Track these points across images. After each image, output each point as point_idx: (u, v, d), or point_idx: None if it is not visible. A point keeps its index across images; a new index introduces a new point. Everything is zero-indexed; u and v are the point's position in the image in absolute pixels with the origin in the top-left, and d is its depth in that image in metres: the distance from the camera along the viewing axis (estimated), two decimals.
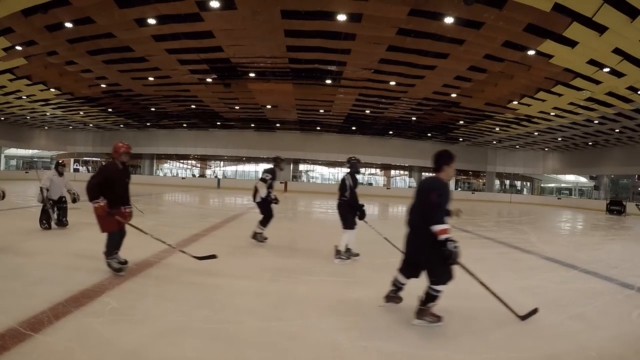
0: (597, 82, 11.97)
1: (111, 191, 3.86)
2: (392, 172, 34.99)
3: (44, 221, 6.43)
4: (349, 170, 5.19)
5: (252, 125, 26.81)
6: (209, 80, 15.35)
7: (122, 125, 28.52)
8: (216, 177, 32.23)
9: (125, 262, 4.05)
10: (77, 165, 31.84)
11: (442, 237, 2.70)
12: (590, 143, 23.51)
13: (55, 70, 14.15)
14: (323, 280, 4.26)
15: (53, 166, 7.04)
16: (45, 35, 10.63)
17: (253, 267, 4.68)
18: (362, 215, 5.10)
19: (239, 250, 5.72)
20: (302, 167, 33.28)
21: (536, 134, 21.95)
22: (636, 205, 20.67)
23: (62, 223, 6.67)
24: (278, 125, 26.34)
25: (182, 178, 30.08)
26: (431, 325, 3.01)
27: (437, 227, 2.71)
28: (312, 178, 33.55)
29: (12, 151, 33.06)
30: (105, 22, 9.82)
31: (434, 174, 2.98)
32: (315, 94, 16.78)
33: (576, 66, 10.95)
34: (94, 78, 15.33)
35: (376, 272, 4.80)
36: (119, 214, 3.94)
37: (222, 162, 34.55)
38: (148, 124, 27.59)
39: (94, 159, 33.09)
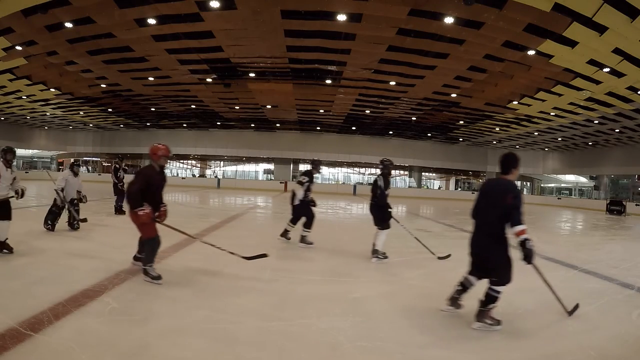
0: (597, 82, 11.97)
1: (152, 196, 3.81)
2: (392, 172, 34.96)
3: (49, 222, 6.27)
4: (381, 171, 5.32)
5: (252, 125, 26.81)
6: (209, 80, 15.34)
7: (122, 125, 28.52)
8: (216, 177, 32.23)
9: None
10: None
11: (522, 237, 2.82)
12: (590, 143, 23.51)
13: (55, 70, 14.15)
14: (323, 280, 4.26)
15: (68, 166, 6.86)
16: (45, 35, 10.63)
17: (253, 267, 4.67)
18: (388, 216, 5.27)
19: (238, 250, 5.71)
20: (302, 167, 33.27)
21: (536, 134, 21.94)
22: (636, 205, 20.67)
23: (73, 226, 6.50)
24: (278, 125, 26.34)
25: (182, 178, 30.08)
26: (491, 328, 2.99)
27: (518, 228, 2.81)
28: None
29: None
30: (105, 22, 9.82)
31: (501, 177, 3.07)
32: (315, 94, 16.77)
33: (576, 66, 10.94)
34: (94, 78, 15.33)
35: (376, 272, 4.81)
36: (159, 217, 3.93)
37: (222, 162, 34.55)
38: (148, 124, 27.59)
39: (94, 159, 33.09)
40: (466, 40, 10.03)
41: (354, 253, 5.79)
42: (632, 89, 12.20)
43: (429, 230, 9.22)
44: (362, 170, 33.93)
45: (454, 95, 15.50)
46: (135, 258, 4.26)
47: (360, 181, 33.18)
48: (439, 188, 34.29)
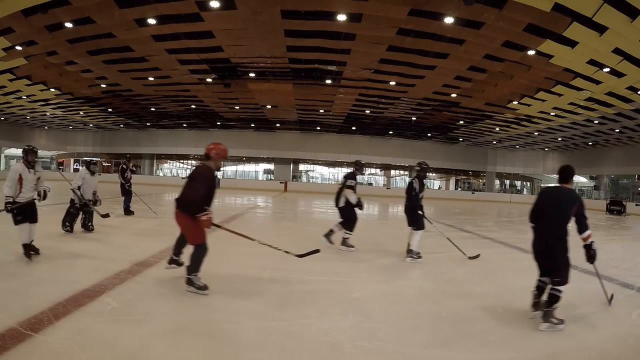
0: (597, 82, 11.97)
1: (210, 199, 3.61)
2: (392, 172, 34.99)
3: (67, 223, 6.08)
4: (417, 173, 5.47)
5: (252, 125, 26.81)
6: (209, 80, 15.34)
7: (122, 125, 28.53)
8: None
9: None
10: (77, 165, 31.82)
11: (589, 241, 3.23)
12: (590, 143, 23.50)
13: (55, 70, 14.15)
14: (323, 280, 4.26)
15: (85, 165, 6.63)
16: (45, 35, 10.63)
17: (253, 267, 4.68)
18: (421, 217, 5.47)
19: (238, 250, 5.72)
20: (302, 167, 33.28)
21: (536, 134, 21.94)
22: (636, 205, 20.66)
23: (87, 227, 6.33)
24: (278, 125, 26.34)
25: (182, 178, 30.04)
26: (556, 328, 3.09)
27: (586, 233, 3.21)
28: (312, 178, 33.54)
29: (12, 151, 33.02)
30: (105, 22, 9.82)
31: (563, 185, 3.39)
32: (315, 94, 16.77)
33: (576, 66, 10.94)
34: (94, 78, 15.33)
35: (376, 272, 4.81)
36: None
37: (222, 162, 34.56)
38: (148, 124, 27.59)
39: (94, 159, 33.08)
40: (466, 40, 10.03)
41: (354, 253, 5.79)
42: (632, 89, 12.20)
43: (429, 230, 9.20)
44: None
45: (454, 95, 15.50)
46: (172, 261, 4.04)
47: (360, 181, 33.19)
48: (439, 188, 34.29)
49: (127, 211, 8.79)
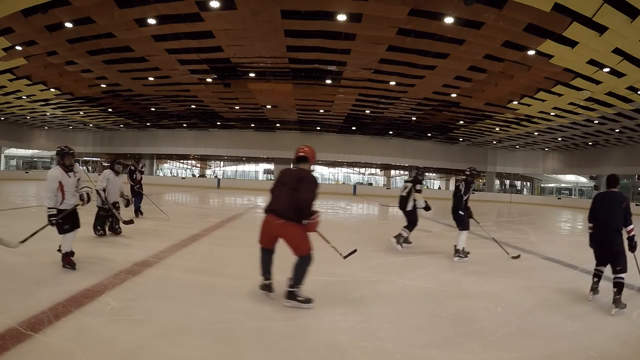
0: (597, 82, 11.97)
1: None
2: (392, 172, 35.01)
3: (99, 227, 5.86)
4: (465, 177, 5.93)
5: (252, 125, 26.80)
6: (209, 80, 15.34)
7: (122, 125, 28.52)
8: (216, 177, 32.22)
9: None
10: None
11: (632, 233, 3.74)
12: (590, 143, 23.50)
13: (55, 70, 14.14)
14: (323, 280, 4.26)
15: (109, 165, 6.36)
16: (45, 35, 10.62)
17: (253, 267, 4.67)
18: (467, 218, 5.86)
19: (239, 250, 5.72)
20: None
21: (536, 134, 21.94)
22: (636, 205, 20.65)
23: (115, 230, 6.11)
24: (278, 125, 26.33)
25: (182, 178, 30.07)
26: (622, 312, 3.51)
27: (630, 227, 3.76)
28: None
29: (12, 151, 33.06)
30: (105, 22, 9.81)
31: (612, 190, 4.01)
32: (315, 94, 16.77)
33: (576, 66, 10.94)
34: (94, 78, 15.32)
35: (376, 273, 4.81)
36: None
37: (222, 162, 34.56)
38: (148, 124, 27.58)
39: (94, 159, 33.08)
40: (466, 40, 10.03)
41: (355, 254, 5.78)
42: (632, 89, 12.19)
43: (429, 230, 9.21)
44: (362, 170, 33.94)
45: (454, 95, 15.49)
46: (264, 287, 3.58)
47: (360, 181, 33.19)
48: (439, 188, 34.30)
49: (137, 212, 8.70)
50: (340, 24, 9.59)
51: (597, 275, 4.00)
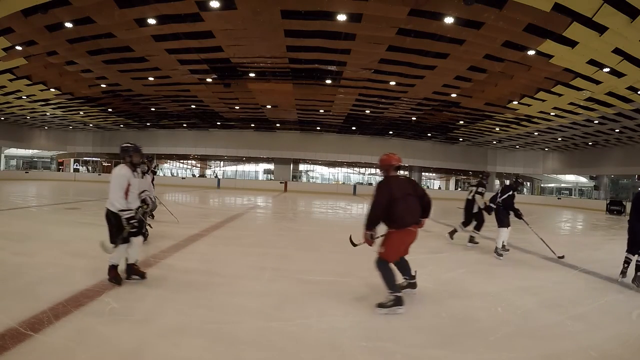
0: (597, 82, 11.96)
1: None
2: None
3: (143, 231, 5.40)
4: (510, 183, 6.46)
5: (252, 125, 26.80)
6: (209, 80, 15.34)
7: (122, 125, 28.52)
8: (216, 177, 32.21)
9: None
10: (77, 165, 31.83)
11: None
12: (590, 143, 23.50)
13: (55, 70, 14.14)
14: (323, 280, 4.26)
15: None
16: (45, 35, 10.62)
17: (253, 267, 4.68)
18: (486, 216, 6.66)
19: (239, 250, 5.72)
20: (302, 167, 33.28)
21: (536, 134, 21.94)
22: None
23: (143, 234, 5.67)
24: (278, 125, 26.33)
25: (182, 178, 30.07)
26: None
27: None
28: (312, 178, 33.55)
29: (12, 151, 33.05)
30: (105, 22, 9.81)
31: None
32: (315, 94, 16.76)
33: (576, 66, 10.94)
34: (94, 78, 15.32)
35: (375, 273, 4.80)
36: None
37: (222, 162, 34.57)
38: (148, 124, 27.58)
39: (94, 159, 33.09)
40: (466, 40, 10.03)
41: (354, 253, 5.78)
42: (632, 89, 12.19)
43: (429, 230, 9.21)
44: (362, 170, 33.94)
45: (454, 95, 15.49)
46: (409, 285, 3.86)
47: (360, 181, 33.18)
48: (439, 188, 34.30)
49: (149, 215, 8.38)
50: (340, 24, 9.59)
51: (627, 261, 4.75)
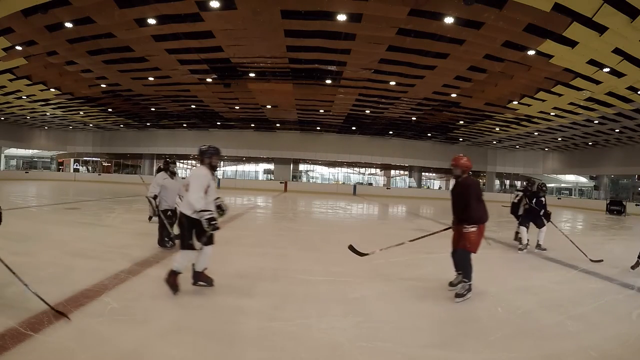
0: (597, 82, 11.97)
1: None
2: (392, 172, 35.00)
3: (166, 238, 5.26)
4: (536, 188, 6.91)
5: (252, 125, 26.81)
6: (209, 80, 15.34)
7: (122, 125, 28.53)
8: (216, 177, 32.20)
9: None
10: (77, 165, 31.82)
11: None
12: (590, 143, 23.50)
13: (55, 70, 14.15)
14: (323, 280, 4.26)
15: (162, 166, 5.68)
16: (45, 35, 10.63)
17: (253, 267, 4.68)
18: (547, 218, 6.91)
19: (239, 250, 5.72)
20: (302, 167, 33.28)
21: (536, 134, 21.94)
22: (636, 205, 20.65)
23: (168, 243, 5.41)
24: (278, 125, 26.34)
25: (182, 178, 30.00)
26: None
27: None
28: (312, 178, 33.54)
29: (12, 151, 33.04)
30: (105, 22, 9.82)
31: None
32: (315, 94, 16.77)
33: (576, 66, 10.94)
34: (94, 78, 15.33)
35: (376, 272, 4.81)
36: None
37: (222, 162, 34.58)
38: (148, 124, 27.59)
39: (94, 159, 33.10)
40: (466, 40, 10.03)
41: (354, 254, 5.78)
42: (632, 89, 12.19)
43: (429, 230, 9.20)
44: (362, 170, 33.94)
45: (454, 95, 15.50)
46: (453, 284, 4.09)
47: (361, 181, 33.18)
48: (439, 188, 34.29)
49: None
50: (340, 24, 9.59)
51: None
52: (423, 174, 33.53)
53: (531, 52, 10.29)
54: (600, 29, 8.43)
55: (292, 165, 31.32)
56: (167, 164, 5.67)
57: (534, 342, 2.85)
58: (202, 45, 11.48)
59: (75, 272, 3.98)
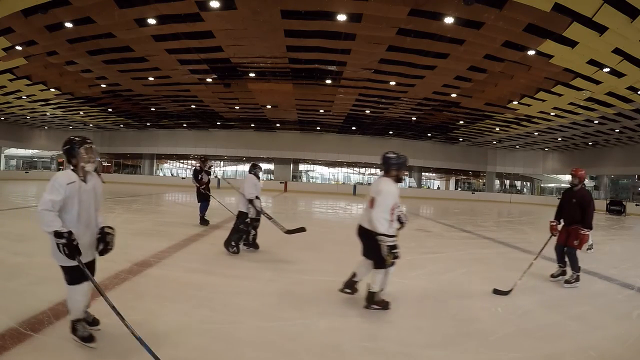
0: (597, 82, 11.96)
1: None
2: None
3: (233, 242, 5.21)
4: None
5: (252, 125, 26.80)
6: (209, 80, 15.34)
7: (122, 125, 28.53)
8: (216, 177, 32.20)
9: None
10: None
11: None
12: (590, 143, 23.50)
13: (55, 70, 14.14)
14: (323, 280, 4.26)
15: (250, 170, 5.62)
16: (45, 35, 10.62)
17: (253, 267, 4.68)
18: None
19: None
20: (302, 167, 33.27)
21: (536, 134, 21.94)
22: (636, 205, 20.65)
23: (254, 245, 5.55)
24: (278, 125, 26.33)
25: (182, 178, 30.06)
26: None
27: None
28: (312, 178, 33.54)
29: (12, 151, 33.04)
30: (105, 22, 9.81)
31: None
32: (315, 94, 16.77)
33: (576, 66, 10.93)
34: (94, 78, 15.32)
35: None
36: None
37: (222, 162, 34.57)
38: (148, 124, 27.58)
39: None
40: (466, 40, 10.02)
41: (354, 253, 5.78)
42: (632, 89, 12.19)
43: (429, 230, 9.21)
44: (362, 170, 33.93)
45: (454, 95, 15.49)
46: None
47: (360, 181, 33.18)
48: (439, 188, 34.31)
49: (203, 220, 7.83)
50: (340, 24, 9.59)
51: None
52: (423, 174, 33.53)
53: (531, 52, 10.29)
54: (600, 29, 8.43)
55: (292, 165, 31.31)
56: (255, 167, 5.63)
57: (534, 342, 2.85)
58: (202, 45, 11.48)
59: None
